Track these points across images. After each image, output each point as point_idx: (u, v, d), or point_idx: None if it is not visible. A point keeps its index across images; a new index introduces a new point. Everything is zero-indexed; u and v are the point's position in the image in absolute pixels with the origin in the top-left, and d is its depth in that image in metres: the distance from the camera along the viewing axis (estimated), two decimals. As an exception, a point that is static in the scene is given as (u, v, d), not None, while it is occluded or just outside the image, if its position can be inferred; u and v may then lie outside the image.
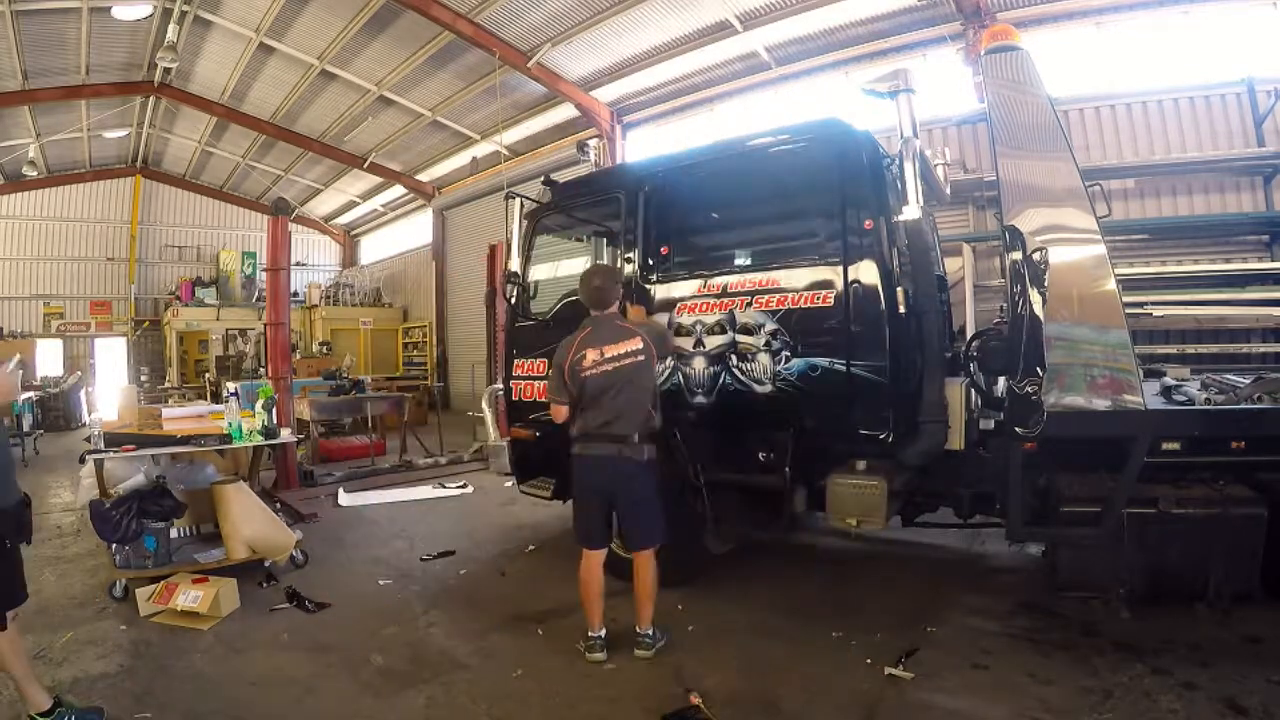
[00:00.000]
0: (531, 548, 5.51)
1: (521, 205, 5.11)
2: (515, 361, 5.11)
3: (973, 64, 7.87)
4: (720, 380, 4.19)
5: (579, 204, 5.20)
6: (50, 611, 4.29)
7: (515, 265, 4.95)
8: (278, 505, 6.19)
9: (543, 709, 3.10)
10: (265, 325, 8.54)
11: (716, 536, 4.30)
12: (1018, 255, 3.46)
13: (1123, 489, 3.45)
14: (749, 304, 4.11)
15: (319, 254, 21.60)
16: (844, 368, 3.83)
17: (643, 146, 12.05)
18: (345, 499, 7.25)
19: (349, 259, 21.73)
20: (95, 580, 4.79)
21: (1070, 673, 3.22)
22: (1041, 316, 3.38)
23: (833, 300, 3.87)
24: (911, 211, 3.69)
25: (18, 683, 2.95)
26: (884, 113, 3.86)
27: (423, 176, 16.66)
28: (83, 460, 4.99)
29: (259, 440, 5.03)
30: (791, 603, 4.22)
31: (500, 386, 5.55)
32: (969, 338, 4.54)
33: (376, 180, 17.41)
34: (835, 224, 3.93)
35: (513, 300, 5.04)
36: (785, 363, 3.99)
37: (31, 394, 11.21)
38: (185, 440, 4.84)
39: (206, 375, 15.61)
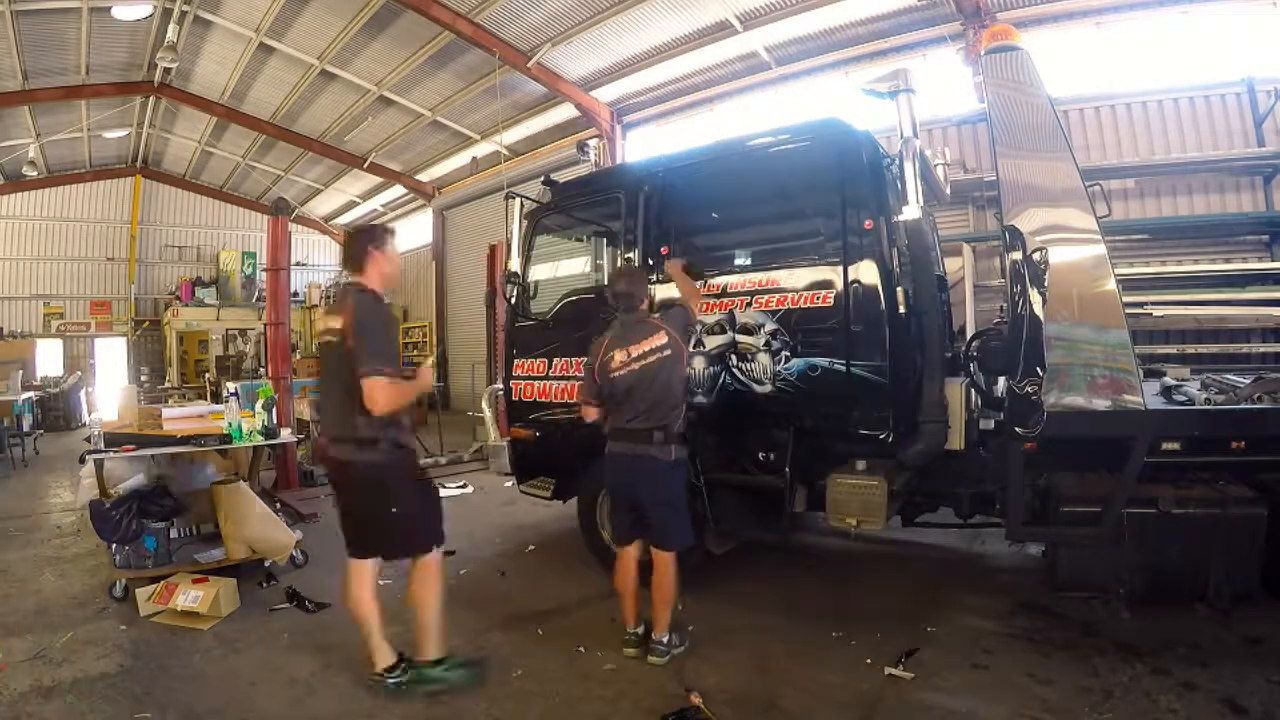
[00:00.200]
0: (531, 548, 5.51)
1: (521, 205, 5.11)
2: (515, 361, 5.10)
3: (973, 64, 7.87)
4: (720, 380, 4.19)
5: (579, 204, 5.20)
6: (50, 611, 4.28)
7: (515, 265, 4.95)
8: (278, 505, 6.18)
9: (543, 709, 3.10)
10: (265, 325, 8.54)
11: (717, 537, 4.30)
12: (1018, 255, 3.46)
13: (1123, 489, 3.45)
14: (749, 304, 4.11)
15: (319, 254, 21.60)
16: (844, 368, 3.83)
17: (643, 146, 12.05)
18: (345, 499, 7.23)
19: (349, 259, 21.69)
20: (95, 580, 4.79)
21: (1070, 673, 3.22)
22: (1041, 316, 3.39)
23: (833, 300, 3.87)
24: (911, 211, 3.70)
25: None
26: (884, 113, 3.86)
27: (423, 176, 16.66)
28: (83, 460, 4.99)
29: (259, 440, 5.03)
30: (791, 603, 4.22)
31: (500, 387, 5.56)
32: (969, 338, 4.54)
33: (376, 180, 17.41)
34: (835, 224, 3.93)
35: (513, 300, 5.04)
36: (785, 363, 3.99)
37: (31, 394, 11.20)
38: (185, 440, 4.83)
39: (206, 375, 15.62)
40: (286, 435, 5.81)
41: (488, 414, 5.75)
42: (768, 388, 4.04)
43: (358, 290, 3.13)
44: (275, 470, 7.53)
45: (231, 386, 7.45)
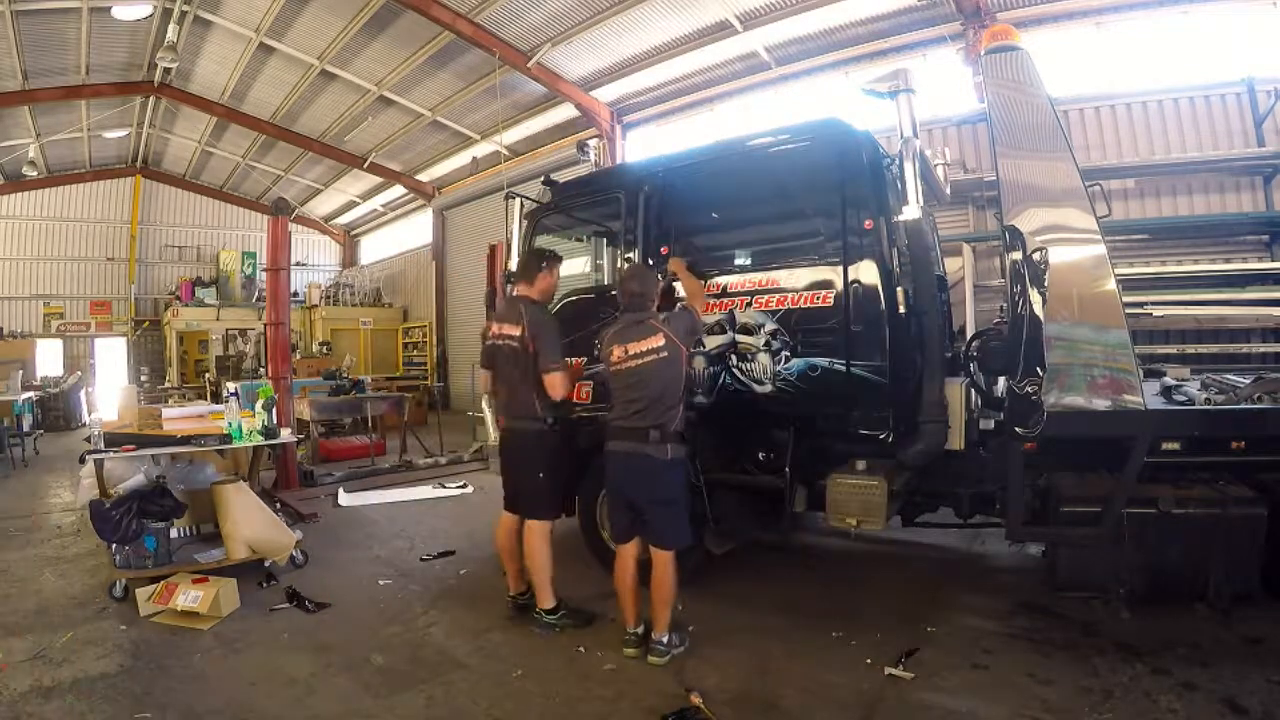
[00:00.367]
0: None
1: (521, 205, 5.11)
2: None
3: (973, 64, 7.88)
4: (720, 380, 4.19)
5: (579, 204, 5.20)
6: (50, 611, 4.28)
7: (515, 265, 4.95)
8: (278, 505, 6.19)
9: (543, 709, 3.10)
10: (265, 325, 8.53)
11: (717, 536, 4.30)
12: (1018, 255, 3.46)
13: (1123, 489, 3.45)
14: (749, 304, 4.11)
15: (319, 254, 21.61)
16: (844, 368, 3.83)
17: (643, 146, 12.05)
18: (345, 499, 7.25)
19: (349, 259, 21.74)
20: (95, 580, 4.79)
21: (1070, 673, 3.22)
22: (1041, 316, 3.39)
23: (833, 300, 3.87)
24: (911, 211, 3.70)
25: None
26: (884, 113, 3.86)
27: (423, 176, 16.66)
28: (83, 460, 4.99)
29: (259, 440, 5.03)
30: (791, 603, 4.22)
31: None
32: (969, 338, 4.55)
33: (376, 180, 17.41)
34: (835, 224, 3.93)
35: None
36: (785, 363, 3.99)
37: (31, 394, 11.20)
38: (185, 440, 4.84)
39: (206, 375, 15.60)
40: (286, 435, 5.81)
41: (488, 414, 5.72)
42: (768, 388, 4.04)
43: (528, 302, 3.94)
44: (275, 470, 7.52)
45: (231, 386, 7.47)
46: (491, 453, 5.71)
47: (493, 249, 9.42)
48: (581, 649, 3.64)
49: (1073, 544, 3.76)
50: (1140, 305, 6.57)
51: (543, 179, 5.32)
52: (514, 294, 4.15)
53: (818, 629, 3.81)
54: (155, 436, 4.97)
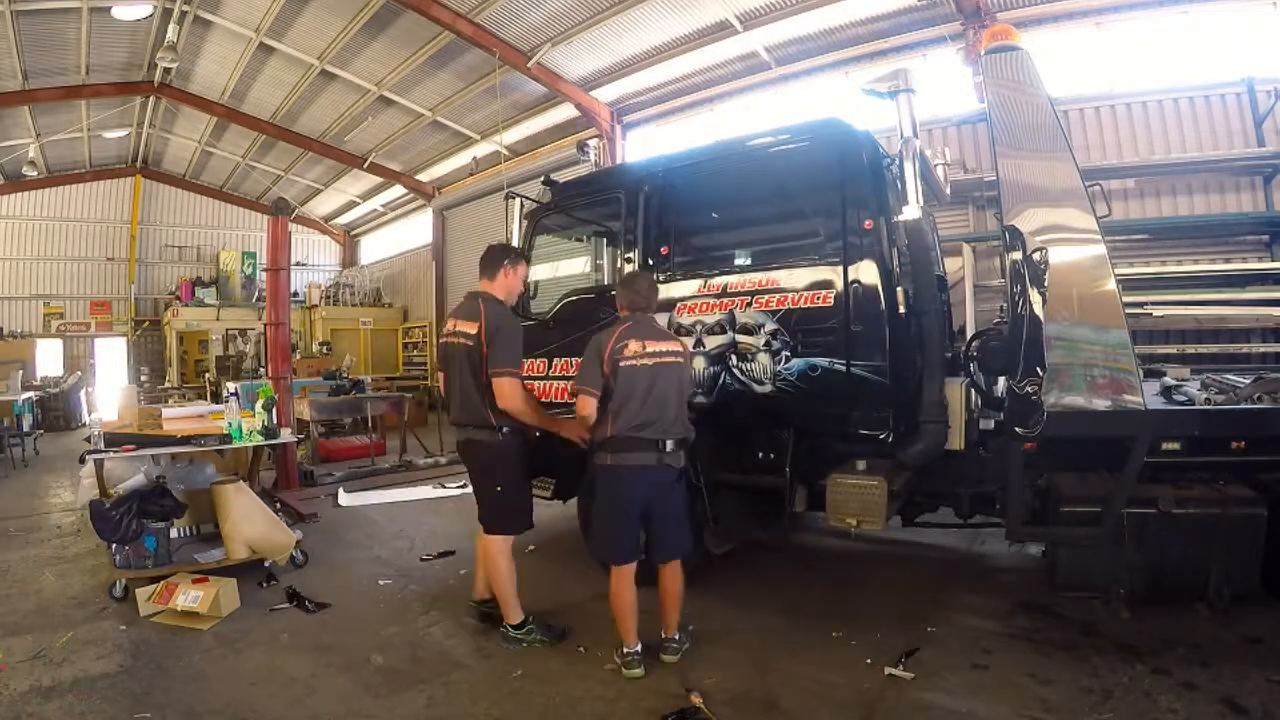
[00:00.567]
0: (531, 548, 5.49)
1: (521, 205, 5.11)
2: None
3: (973, 64, 7.88)
4: (720, 380, 4.19)
5: (579, 204, 5.20)
6: (50, 611, 4.28)
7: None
8: (278, 505, 6.20)
9: (543, 709, 3.10)
10: (265, 325, 8.53)
11: (716, 536, 4.30)
12: (1018, 255, 3.46)
13: (1123, 489, 3.45)
14: (749, 304, 4.11)
15: (319, 254, 21.60)
16: (844, 368, 3.83)
17: (643, 146, 12.05)
18: (345, 499, 7.25)
19: (349, 259, 21.73)
20: (95, 580, 4.79)
21: (1070, 673, 3.22)
22: (1041, 316, 3.38)
23: (833, 300, 3.87)
24: (911, 211, 3.70)
25: None
26: (884, 113, 3.86)
27: (423, 176, 16.65)
28: (83, 460, 4.99)
29: (259, 440, 5.03)
30: (791, 603, 4.22)
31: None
32: (969, 338, 4.54)
33: (376, 180, 17.41)
34: (835, 224, 3.93)
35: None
36: (785, 363, 3.99)
37: (31, 394, 11.20)
38: (185, 440, 4.84)
39: (206, 375, 15.61)
40: (286, 435, 5.81)
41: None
42: (768, 388, 4.04)
43: (488, 298, 3.66)
44: (275, 470, 7.53)
45: (231, 386, 7.47)
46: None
47: (493, 249, 9.41)
48: (582, 649, 3.64)
49: (1073, 544, 3.76)
50: (1140, 305, 6.57)
51: (543, 179, 5.32)
52: (476, 290, 3.82)
53: (818, 629, 3.82)
54: (155, 436, 4.97)
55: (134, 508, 4.45)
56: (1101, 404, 3.39)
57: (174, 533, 4.82)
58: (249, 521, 4.73)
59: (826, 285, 3.91)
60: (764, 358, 4.05)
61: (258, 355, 14.45)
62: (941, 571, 4.76)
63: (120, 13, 11.01)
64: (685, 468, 3.52)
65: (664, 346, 3.41)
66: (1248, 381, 3.80)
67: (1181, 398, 3.71)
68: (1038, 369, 3.38)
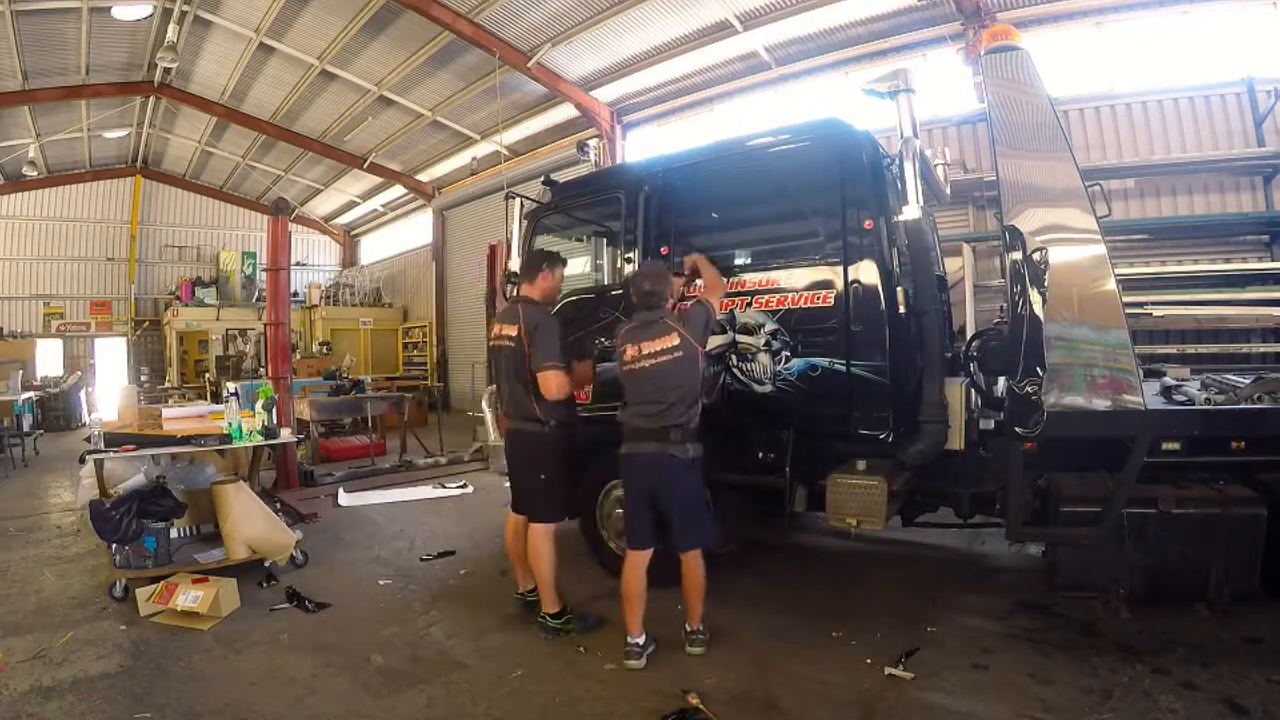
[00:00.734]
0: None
1: (521, 205, 5.11)
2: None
3: (973, 64, 7.87)
4: (720, 380, 4.19)
5: (579, 204, 5.20)
6: (50, 611, 4.28)
7: (515, 265, 4.95)
8: (278, 505, 6.19)
9: (543, 709, 3.10)
10: (265, 325, 8.53)
11: (717, 536, 4.29)
12: (1018, 255, 3.46)
13: (1123, 489, 3.45)
14: (749, 304, 4.11)
15: (319, 254, 21.60)
16: (844, 368, 3.83)
17: (643, 146, 12.04)
18: (345, 499, 7.25)
19: (349, 259, 21.73)
20: (95, 580, 4.78)
21: (1070, 673, 3.22)
22: (1041, 316, 3.39)
23: (833, 300, 3.87)
24: (911, 211, 3.70)
25: None
26: (884, 113, 3.86)
27: (423, 176, 16.66)
28: (83, 460, 4.99)
29: (259, 440, 5.03)
30: (791, 603, 4.22)
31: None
32: (969, 338, 4.54)
33: (376, 180, 17.41)
34: (835, 224, 3.94)
35: (512, 300, 5.03)
36: (785, 363, 3.99)
37: (31, 394, 11.20)
38: (185, 440, 4.84)
39: (206, 375, 15.60)
40: (286, 435, 5.81)
41: (488, 414, 5.73)
42: (768, 388, 4.04)
43: (527, 302, 3.91)
44: (275, 470, 7.53)
45: (231, 386, 7.46)
46: (491, 453, 5.73)
47: (493, 249, 9.44)
48: (582, 649, 3.64)
49: (1073, 544, 3.76)
50: (1140, 305, 6.56)
51: (543, 179, 5.32)
52: (516, 294, 4.14)
53: (818, 629, 3.82)
54: (155, 436, 4.97)
55: (134, 508, 4.45)
56: (1101, 404, 3.39)
57: (174, 533, 4.82)
58: (249, 521, 4.73)
59: (826, 285, 3.91)
60: (764, 358, 4.05)
61: (258, 355, 14.44)
62: (941, 571, 4.76)
63: (120, 13, 11.01)
64: (698, 458, 3.51)
65: (659, 346, 3.44)
66: (1248, 381, 3.79)
67: (1181, 398, 3.71)
68: (1038, 369, 3.39)
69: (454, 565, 5.14)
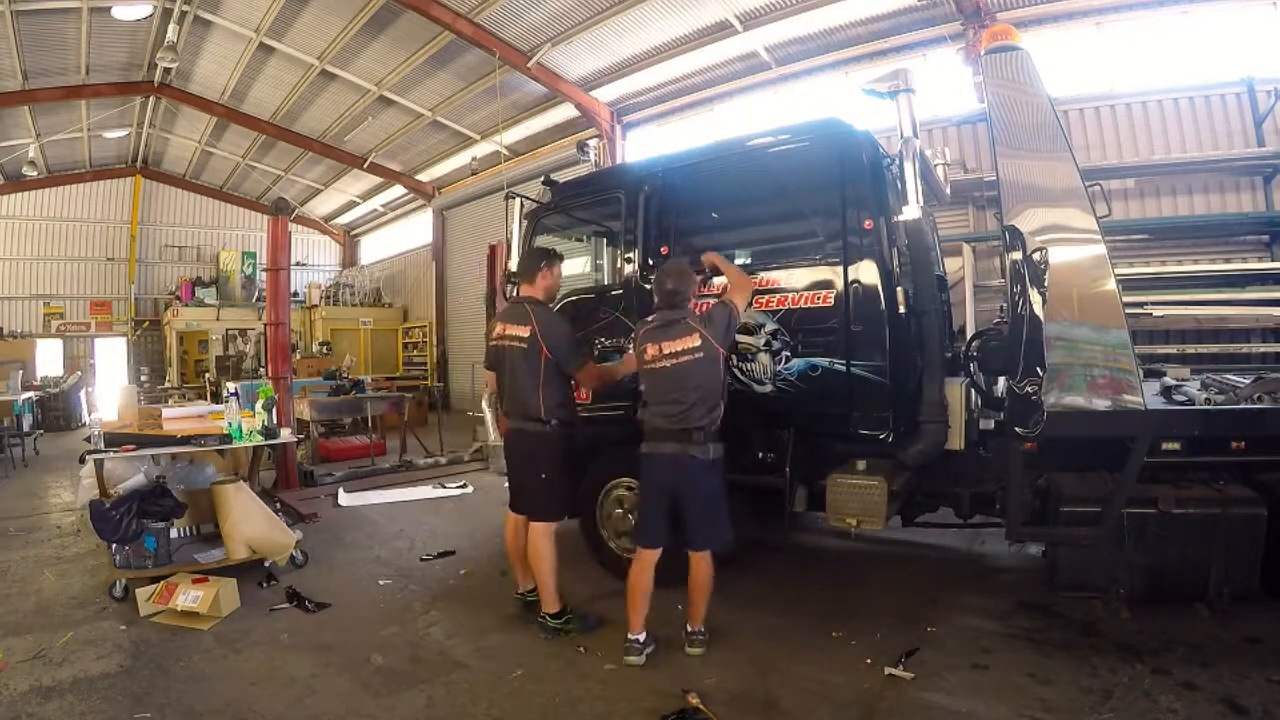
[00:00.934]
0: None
1: (521, 205, 5.11)
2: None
3: (973, 64, 7.87)
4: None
5: (579, 204, 5.20)
6: (50, 611, 4.28)
7: (515, 265, 4.94)
8: (278, 505, 6.19)
9: (543, 709, 3.10)
10: (265, 325, 8.53)
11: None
12: (1018, 255, 3.46)
13: (1123, 489, 3.45)
14: (749, 304, 4.11)
15: (319, 254, 21.60)
16: (844, 368, 3.83)
17: (643, 146, 12.04)
18: (345, 499, 7.25)
19: (349, 259, 21.74)
20: (95, 580, 4.78)
21: (1070, 673, 3.23)
22: (1041, 316, 3.39)
23: (833, 300, 3.88)
24: (911, 211, 3.70)
25: None
26: (884, 113, 3.86)
27: (423, 176, 16.66)
28: (83, 460, 4.99)
29: (259, 440, 5.03)
30: (791, 603, 4.22)
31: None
32: (969, 338, 4.54)
33: (376, 180, 17.41)
34: (835, 224, 3.94)
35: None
36: (785, 363, 3.99)
37: (31, 394, 11.20)
38: (185, 440, 4.84)
39: (206, 375, 15.60)
40: (286, 435, 5.81)
41: (488, 414, 5.72)
42: (768, 388, 4.05)
43: (534, 303, 3.90)
44: (275, 470, 7.53)
45: (231, 386, 7.46)
46: (491, 453, 5.72)
47: (493, 249, 9.44)
48: (582, 649, 3.64)
49: (1073, 544, 3.76)
50: (1140, 305, 6.56)
51: (543, 179, 5.32)
52: (518, 295, 4.12)
53: (818, 629, 3.82)
54: (155, 436, 4.97)
55: (134, 508, 4.45)
56: (1101, 404, 3.39)
57: (174, 533, 4.81)
58: (249, 521, 4.73)
59: (827, 285, 3.91)
60: (764, 358, 4.05)
61: (258, 355, 14.43)
62: (941, 571, 4.76)
63: (120, 13, 11.01)
64: (719, 459, 3.51)
65: (680, 346, 3.42)
66: (1248, 381, 3.80)
67: (1181, 398, 3.71)
68: (1038, 369, 3.39)
69: (454, 565, 5.14)
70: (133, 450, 4.64)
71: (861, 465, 3.92)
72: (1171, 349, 6.97)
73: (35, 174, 16.28)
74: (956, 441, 3.84)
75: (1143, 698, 2.99)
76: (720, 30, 9.79)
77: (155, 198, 19.07)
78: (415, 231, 18.43)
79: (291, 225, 10.73)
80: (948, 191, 5.40)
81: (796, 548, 5.27)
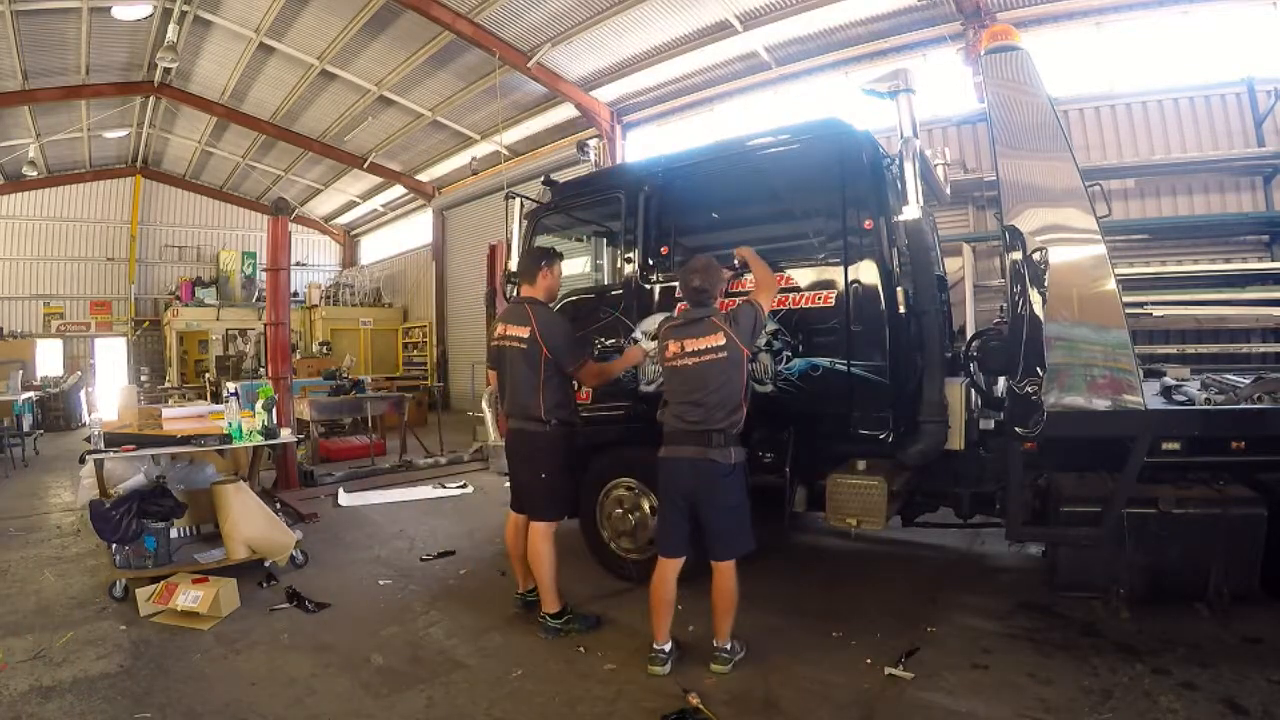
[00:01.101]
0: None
1: (521, 205, 5.11)
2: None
3: (973, 64, 7.87)
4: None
5: (579, 204, 5.20)
6: (50, 611, 4.28)
7: (515, 265, 4.95)
8: (278, 505, 6.19)
9: (543, 709, 3.10)
10: (265, 325, 8.53)
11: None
12: (1018, 255, 3.46)
13: (1123, 489, 3.45)
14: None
15: (319, 254, 21.61)
16: (844, 368, 3.83)
17: (643, 146, 12.05)
18: (345, 499, 7.25)
19: (349, 259, 21.73)
20: (95, 580, 4.79)
21: (1070, 673, 3.23)
22: (1041, 316, 3.38)
23: (833, 300, 3.88)
24: (911, 211, 3.70)
25: None
26: (884, 113, 3.86)
27: (423, 176, 16.66)
28: (83, 460, 4.99)
29: (259, 440, 5.03)
30: (791, 603, 4.22)
31: (500, 386, 5.54)
32: (969, 338, 4.54)
33: (376, 180, 17.41)
34: (835, 224, 3.94)
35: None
36: (786, 363, 3.99)
37: (31, 394, 11.20)
38: (185, 440, 4.84)
39: (206, 375, 15.60)
40: (286, 435, 5.81)
41: (488, 414, 5.73)
42: (769, 387, 4.04)
43: (534, 303, 3.91)
44: (275, 470, 7.53)
45: (231, 386, 7.46)
46: (491, 452, 5.73)
47: (493, 249, 9.44)
48: (582, 649, 3.64)
49: (1073, 544, 3.75)
50: (1140, 305, 6.56)
51: (543, 179, 5.32)
52: (518, 295, 4.13)
53: (818, 629, 3.82)
54: (155, 436, 4.97)
55: (134, 508, 4.45)
56: (1101, 404, 3.39)
57: (174, 533, 4.82)
58: (249, 521, 4.73)
59: (827, 285, 3.91)
60: (765, 358, 4.05)
61: (258, 355, 14.44)
62: (941, 571, 4.76)
63: (120, 13, 11.01)
64: (740, 464, 3.37)
65: (704, 345, 3.30)
66: (1248, 381, 3.79)
67: (1181, 398, 3.71)
68: (1038, 369, 3.38)
69: (454, 565, 5.14)
70: (133, 450, 4.64)
71: (862, 465, 3.92)
72: (1171, 349, 6.97)
73: (35, 174, 16.27)
74: (956, 441, 3.84)
75: (1143, 698, 2.99)
76: (720, 30, 9.79)
77: (155, 198, 19.07)
78: (415, 231, 18.43)
79: (291, 225, 10.73)
80: (948, 191, 5.40)
81: (796, 548, 5.28)
